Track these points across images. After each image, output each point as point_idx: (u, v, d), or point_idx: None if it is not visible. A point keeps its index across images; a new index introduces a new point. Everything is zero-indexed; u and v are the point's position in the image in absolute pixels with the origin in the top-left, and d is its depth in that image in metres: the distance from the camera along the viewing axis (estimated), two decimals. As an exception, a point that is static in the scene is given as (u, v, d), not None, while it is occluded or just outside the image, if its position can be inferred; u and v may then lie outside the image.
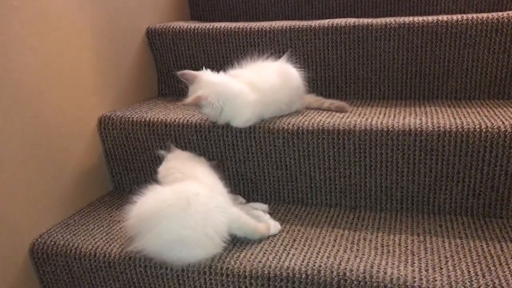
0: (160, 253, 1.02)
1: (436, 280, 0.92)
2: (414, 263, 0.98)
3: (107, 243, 1.14)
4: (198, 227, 0.99)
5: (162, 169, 1.16)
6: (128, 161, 1.41)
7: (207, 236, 1.01)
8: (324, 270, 0.97)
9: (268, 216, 1.17)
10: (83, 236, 1.18)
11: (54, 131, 1.23)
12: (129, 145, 1.38)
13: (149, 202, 1.02)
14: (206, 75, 1.21)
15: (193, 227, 0.98)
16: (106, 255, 1.10)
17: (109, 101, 1.45)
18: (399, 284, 0.92)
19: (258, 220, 1.13)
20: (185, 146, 1.31)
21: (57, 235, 1.18)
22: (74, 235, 1.18)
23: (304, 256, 1.03)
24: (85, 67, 1.34)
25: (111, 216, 1.27)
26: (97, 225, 1.23)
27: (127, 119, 1.36)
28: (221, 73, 1.23)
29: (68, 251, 1.13)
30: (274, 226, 1.13)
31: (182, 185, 1.06)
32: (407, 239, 1.08)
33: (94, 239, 1.16)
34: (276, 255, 1.04)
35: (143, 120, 1.34)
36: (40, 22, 1.18)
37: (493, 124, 1.11)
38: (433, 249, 1.04)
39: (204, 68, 1.22)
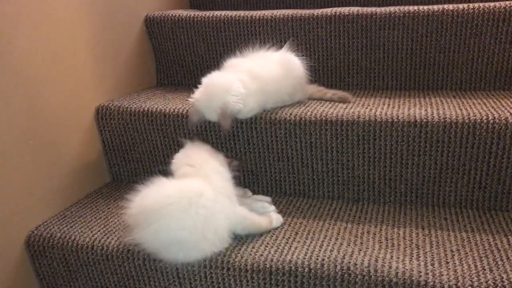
0: (157, 252, 1.00)
1: (443, 275, 0.90)
2: (420, 257, 0.96)
3: (104, 235, 1.11)
4: (196, 230, 0.96)
5: (177, 158, 1.11)
6: (126, 152, 1.38)
7: (206, 240, 0.98)
8: (328, 264, 0.95)
9: (272, 207, 1.15)
10: (80, 228, 1.15)
11: (50, 120, 1.20)
12: (127, 136, 1.35)
13: (151, 196, 0.99)
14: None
15: (191, 230, 0.95)
16: (104, 247, 1.08)
17: (106, 91, 1.42)
18: (404, 279, 0.90)
19: (263, 211, 1.12)
20: (185, 137, 1.28)
21: (53, 227, 1.16)
22: (71, 227, 1.16)
23: (307, 249, 1.00)
24: (82, 56, 1.31)
25: (108, 208, 1.25)
26: (95, 217, 1.20)
27: (125, 109, 1.33)
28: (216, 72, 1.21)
29: (65, 243, 1.11)
30: (276, 219, 1.11)
31: (187, 183, 1.01)
32: (412, 232, 1.06)
33: (91, 231, 1.13)
34: (278, 248, 1.01)
35: (141, 110, 1.31)
36: (37, 10, 1.14)
37: (500, 115, 1.08)
38: (438, 242, 1.01)
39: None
